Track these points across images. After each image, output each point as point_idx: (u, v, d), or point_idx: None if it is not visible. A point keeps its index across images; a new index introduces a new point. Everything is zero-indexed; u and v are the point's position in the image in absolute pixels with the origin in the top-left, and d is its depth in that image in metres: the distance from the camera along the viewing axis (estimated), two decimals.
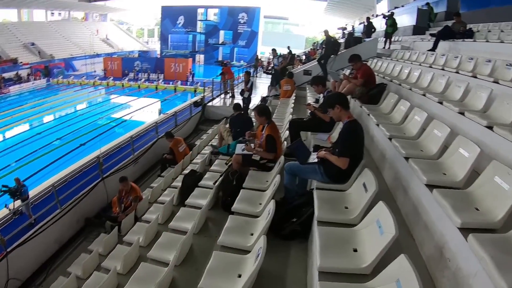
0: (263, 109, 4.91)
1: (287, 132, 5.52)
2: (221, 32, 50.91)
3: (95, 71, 42.12)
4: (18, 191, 8.55)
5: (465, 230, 2.01)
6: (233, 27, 50.14)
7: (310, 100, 7.88)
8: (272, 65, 13.17)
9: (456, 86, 4.78)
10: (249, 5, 51.09)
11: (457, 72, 5.72)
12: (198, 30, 51.58)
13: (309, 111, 5.61)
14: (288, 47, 17.68)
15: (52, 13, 52.87)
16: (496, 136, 3.08)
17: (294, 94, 9.83)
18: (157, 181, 7.95)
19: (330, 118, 4.76)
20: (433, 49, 8.75)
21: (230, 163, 5.25)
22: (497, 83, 4.51)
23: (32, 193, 8.23)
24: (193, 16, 51.41)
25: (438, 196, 2.35)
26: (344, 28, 29.28)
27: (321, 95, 6.26)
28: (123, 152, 9.30)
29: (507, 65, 4.80)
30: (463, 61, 6.19)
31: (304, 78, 11.69)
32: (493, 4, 12.95)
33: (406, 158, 3.18)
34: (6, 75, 34.57)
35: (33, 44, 42.20)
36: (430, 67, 6.81)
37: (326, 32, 12.00)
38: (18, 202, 8.20)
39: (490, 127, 3.22)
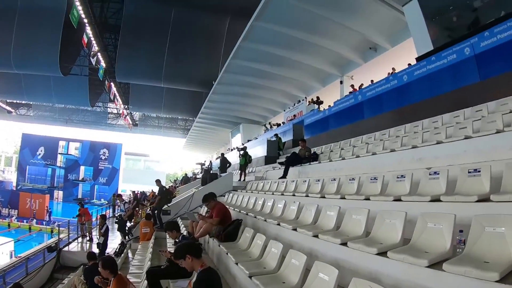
0: (108, 262, 4.58)
1: (145, 282, 5.02)
2: (82, 168, 49.13)
3: None
4: None
5: None
6: (94, 163, 49.07)
7: (169, 242, 7.60)
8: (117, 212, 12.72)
9: (307, 210, 5.05)
10: (111, 141, 51.98)
11: (307, 196, 6.19)
12: (58, 164, 48.93)
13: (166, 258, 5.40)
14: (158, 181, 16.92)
15: None
16: (352, 250, 3.19)
17: (153, 237, 9.54)
18: None
19: None
20: (284, 176, 9.66)
21: None
22: (344, 198, 4.95)
23: None
24: (54, 149, 48.92)
25: None
26: (203, 164, 31.35)
27: (177, 240, 6.19)
28: None
29: (349, 180, 5.41)
30: (311, 183, 6.82)
31: (163, 219, 11.49)
32: (331, 127, 15.48)
33: None
34: None
35: None
36: (282, 194, 7.36)
37: (157, 181, 12.66)
38: None
39: (344, 243, 3.33)
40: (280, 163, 11.22)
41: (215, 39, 25.79)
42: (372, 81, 14.88)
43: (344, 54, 17.15)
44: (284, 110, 24.30)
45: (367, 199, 4.45)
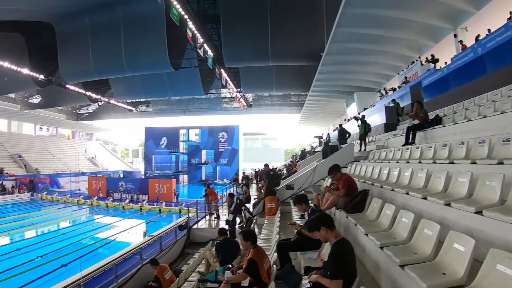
0: (248, 234, 4.88)
1: (275, 254, 5.31)
2: (203, 152, 53.59)
3: (79, 189, 42.59)
4: None
5: None
6: (214, 146, 52.90)
7: (295, 216, 7.82)
8: (236, 194, 13.31)
9: (436, 177, 4.84)
10: (228, 124, 54.84)
11: (434, 162, 5.85)
12: (181, 150, 54.46)
13: (296, 230, 5.54)
14: (266, 165, 17.62)
15: (41, 128, 56.44)
16: (487, 219, 3.06)
17: (279, 211, 9.84)
18: None
19: None
20: (407, 143, 9.04)
21: None
22: (475, 163, 4.63)
23: None
24: (176, 137, 54.64)
25: None
26: (320, 137, 30.92)
27: (306, 213, 6.35)
28: (106, 279, 8.98)
29: (479, 142, 5.01)
30: (438, 149, 6.39)
31: (287, 193, 11.77)
32: (452, 87, 14.17)
33: (401, 266, 3.06)
34: None
35: (20, 156, 44.02)
36: (408, 162, 7.01)
37: (266, 165, 13.27)
38: None
39: (479, 212, 3.21)
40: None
41: (315, 10, 25.11)
42: (489, 30, 13.32)
43: (453, 3, 15.35)
44: (398, 74, 22.85)
45: (501, 163, 4.11)
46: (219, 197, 17.56)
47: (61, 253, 17.03)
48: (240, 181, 17.63)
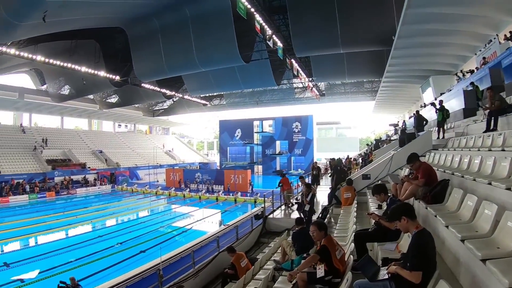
0: (322, 224, 4.97)
1: (352, 244, 5.34)
2: (277, 142, 54.21)
3: (157, 181, 45.49)
4: None
5: None
6: (288, 137, 53.14)
7: (372, 206, 7.78)
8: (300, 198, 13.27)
9: None
10: (302, 114, 54.62)
11: None
12: (255, 141, 55.66)
13: (374, 221, 5.52)
14: (332, 159, 17.91)
15: (119, 125, 60.90)
16: None
17: (355, 202, 9.75)
18: None
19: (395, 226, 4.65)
20: (489, 129, 8.44)
21: (295, 281, 5.16)
22: None
23: None
24: (250, 129, 56.09)
25: None
26: (396, 125, 29.54)
27: (384, 203, 6.29)
28: (183, 264, 9.52)
29: None
30: None
31: (363, 183, 11.65)
32: None
33: (483, 260, 2.99)
34: (75, 177, 39.76)
35: (101, 151, 48.08)
36: (490, 150, 6.62)
37: (332, 160, 12.47)
38: None
39: None
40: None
41: None
42: None
43: None
44: (475, 54, 21.00)
45: None
46: (293, 188, 17.71)
47: (140, 240, 18.39)
48: (312, 171, 17.58)
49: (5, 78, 42.76)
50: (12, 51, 26.91)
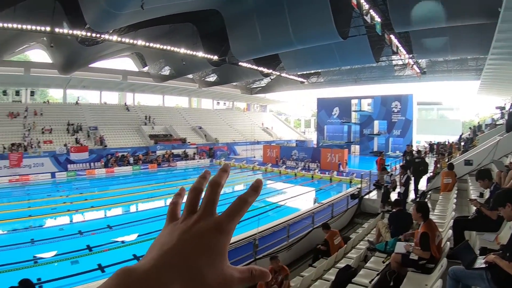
0: (422, 205, 4.88)
1: (450, 231, 5.18)
2: (376, 122, 51.98)
3: (254, 157, 47.21)
4: None
5: None
6: (387, 117, 50.44)
7: (473, 194, 7.28)
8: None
9: None
10: (401, 93, 51.45)
11: None
12: (353, 120, 53.92)
13: (475, 208, 5.22)
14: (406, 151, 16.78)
15: (218, 103, 64.30)
16: None
17: (455, 188, 9.25)
18: (308, 271, 8.00)
19: (497, 215, 4.39)
20: None
21: (388, 262, 5.10)
22: None
23: None
24: (348, 107, 54.16)
25: None
26: (503, 108, 25.96)
27: (488, 190, 5.96)
28: (278, 237, 9.98)
29: None
30: None
31: (465, 169, 10.91)
32: None
33: None
34: (175, 151, 43.11)
35: (200, 127, 51.30)
36: None
37: (407, 150, 12.45)
38: None
39: None
40: None
41: None
42: None
43: None
44: None
45: None
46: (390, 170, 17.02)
47: None
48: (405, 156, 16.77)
49: (110, 62, 47.76)
50: (115, 38, 29.67)
